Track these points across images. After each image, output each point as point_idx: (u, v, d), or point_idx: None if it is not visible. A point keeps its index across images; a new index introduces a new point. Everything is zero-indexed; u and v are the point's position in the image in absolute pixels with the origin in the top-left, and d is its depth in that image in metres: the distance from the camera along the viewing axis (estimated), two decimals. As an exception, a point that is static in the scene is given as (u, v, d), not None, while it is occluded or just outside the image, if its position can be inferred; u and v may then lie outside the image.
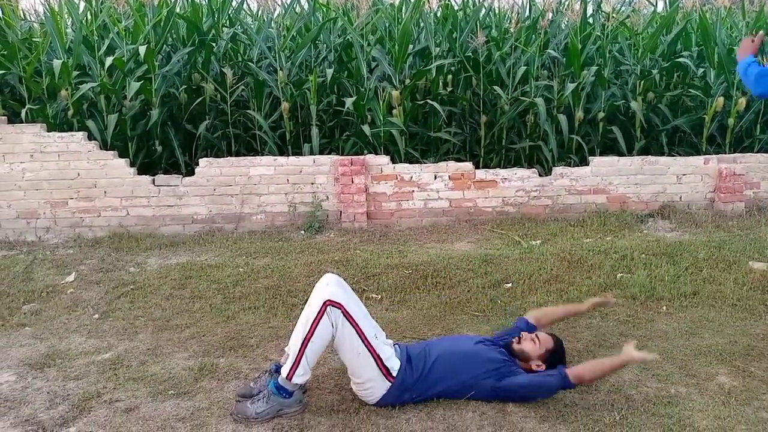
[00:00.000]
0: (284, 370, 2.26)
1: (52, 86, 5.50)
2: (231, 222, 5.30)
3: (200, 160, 5.32)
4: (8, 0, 5.52)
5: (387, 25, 6.04)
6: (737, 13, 6.83)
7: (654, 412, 2.28)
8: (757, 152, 5.97)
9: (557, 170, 5.50)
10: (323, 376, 2.62)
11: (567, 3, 6.86)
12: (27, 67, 5.40)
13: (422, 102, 5.98)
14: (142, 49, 5.30)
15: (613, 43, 6.43)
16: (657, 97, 6.33)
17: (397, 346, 2.46)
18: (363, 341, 2.26)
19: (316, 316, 2.22)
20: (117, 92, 5.55)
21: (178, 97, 5.95)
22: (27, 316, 3.49)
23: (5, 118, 5.19)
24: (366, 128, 5.56)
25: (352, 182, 5.24)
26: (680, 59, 6.17)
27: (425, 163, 5.69)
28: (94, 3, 5.98)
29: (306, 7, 6.77)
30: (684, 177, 5.53)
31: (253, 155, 5.77)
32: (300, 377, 2.25)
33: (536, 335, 2.51)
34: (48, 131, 5.15)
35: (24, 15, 6.49)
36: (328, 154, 5.81)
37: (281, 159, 5.34)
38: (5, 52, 5.48)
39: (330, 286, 2.34)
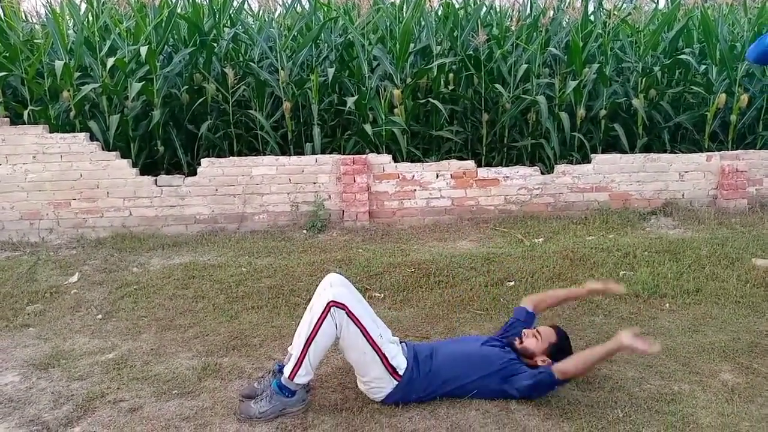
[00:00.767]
0: (287, 370, 2.27)
1: (54, 87, 5.52)
2: (233, 222, 5.31)
3: (202, 160, 5.33)
4: (10, 1, 5.53)
5: (388, 24, 6.04)
6: (739, 9, 6.81)
7: (657, 409, 2.28)
8: (760, 149, 5.97)
9: (559, 168, 5.49)
10: (326, 374, 2.62)
11: (568, 1, 6.85)
12: (29, 69, 5.42)
13: (424, 101, 5.98)
14: (144, 50, 5.31)
15: (614, 41, 6.42)
16: (659, 94, 6.32)
17: (404, 344, 2.45)
18: (368, 340, 2.26)
19: (320, 317, 2.22)
20: (119, 93, 5.56)
21: (180, 97, 5.96)
22: (31, 316, 3.50)
23: (8, 119, 5.21)
24: (368, 127, 5.56)
25: (354, 181, 5.24)
26: (682, 56, 6.16)
27: (427, 161, 5.69)
28: (95, 4, 5.99)
29: (307, 6, 6.78)
30: (686, 174, 5.52)
31: (255, 155, 5.78)
32: (302, 377, 2.25)
33: (537, 330, 2.50)
34: (50, 132, 5.17)
35: (26, 16, 6.49)
36: (330, 153, 5.82)
37: (283, 159, 5.34)
38: (7, 54, 5.50)
39: (334, 287, 2.34)
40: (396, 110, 5.71)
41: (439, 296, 3.61)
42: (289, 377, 2.25)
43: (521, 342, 2.47)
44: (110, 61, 5.34)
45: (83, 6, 6.20)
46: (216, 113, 6.09)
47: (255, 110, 5.97)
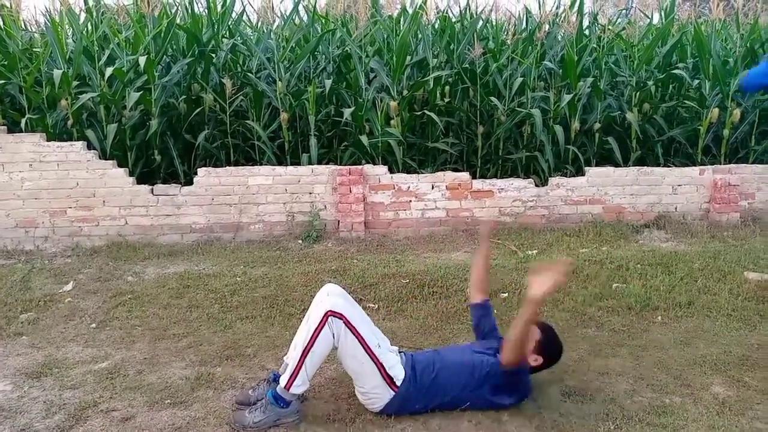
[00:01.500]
0: (283, 380, 2.27)
1: (52, 96, 5.54)
2: (229, 231, 5.32)
3: (199, 169, 5.35)
4: (9, 10, 5.56)
5: (385, 36, 6.10)
6: (732, 25, 6.91)
7: (649, 421, 2.29)
8: (752, 163, 6.03)
9: (553, 180, 5.53)
10: (320, 385, 2.63)
11: (563, 15, 6.93)
12: (27, 77, 5.44)
13: (420, 113, 6.02)
14: (142, 60, 5.34)
15: (609, 55, 6.49)
16: (652, 108, 6.38)
17: (402, 354, 2.46)
18: (366, 350, 2.27)
19: (317, 327, 2.23)
20: (117, 102, 5.58)
21: (178, 107, 5.98)
22: (24, 325, 3.49)
23: (5, 127, 5.22)
24: (364, 138, 5.59)
25: (350, 192, 5.27)
26: (675, 71, 6.23)
27: (423, 173, 5.72)
28: (94, 14, 6.03)
29: (305, 18, 6.83)
30: (679, 187, 5.57)
31: (251, 165, 5.80)
32: (298, 387, 2.26)
33: None
34: (47, 141, 5.18)
35: (25, 25, 6.53)
36: (327, 164, 5.84)
37: (279, 169, 5.37)
38: (6, 62, 5.52)
39: (331, 297, 2.35)
40: (392, 122, 5.75)
41: (434, 307, 3.63)
42: (285, 387, 2.25)
43: None
44: (109, 71, 5.36)
45: (83, 15, 6.24)
46: (213, 123, 6.12)
47: (252, 120, 5.99)
